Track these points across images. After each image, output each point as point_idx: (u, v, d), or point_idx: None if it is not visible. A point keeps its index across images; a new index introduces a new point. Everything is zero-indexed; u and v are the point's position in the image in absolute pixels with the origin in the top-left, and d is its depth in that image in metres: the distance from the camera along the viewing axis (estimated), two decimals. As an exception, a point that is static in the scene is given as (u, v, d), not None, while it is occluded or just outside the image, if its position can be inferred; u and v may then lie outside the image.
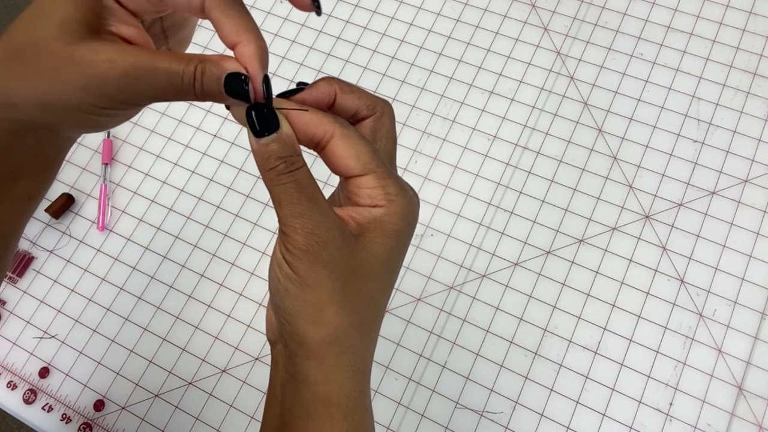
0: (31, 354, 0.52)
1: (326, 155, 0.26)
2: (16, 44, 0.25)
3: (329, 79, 0.27)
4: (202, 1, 0.25)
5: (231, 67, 0.25)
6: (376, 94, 0.29)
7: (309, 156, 0.26)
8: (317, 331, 0.25)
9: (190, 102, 0.59)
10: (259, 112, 0.25)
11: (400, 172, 0.54)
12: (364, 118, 0.28)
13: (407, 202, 0.26)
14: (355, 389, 0.27)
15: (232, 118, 0.26)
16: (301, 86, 0.27)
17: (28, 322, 0.53)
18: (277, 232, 0.53)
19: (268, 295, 0.52)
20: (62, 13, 0.24)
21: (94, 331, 0.52)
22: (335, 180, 0.52)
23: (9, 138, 0.26)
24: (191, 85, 0.25)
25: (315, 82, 0.27)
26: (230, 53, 0.26)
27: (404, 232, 0.27)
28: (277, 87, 0.58)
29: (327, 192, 0.29)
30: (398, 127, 0.56)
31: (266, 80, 0.25)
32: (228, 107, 0.26)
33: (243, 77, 0.24)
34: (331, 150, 0.26)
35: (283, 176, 0.25)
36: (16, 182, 0.28)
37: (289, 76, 0.59)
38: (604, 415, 0.46)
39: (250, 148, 0.56)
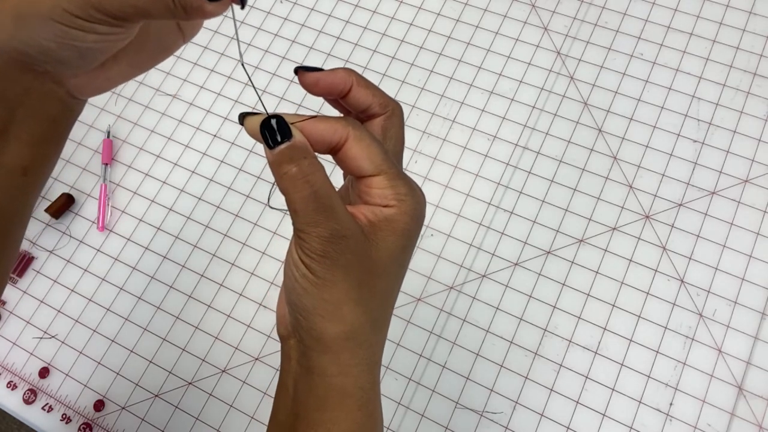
0: (31, 354, 0.52)
1: (340, 158, 0.27)
2: None
3: (349, 70, 0.28)
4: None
5: None
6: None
7: (329, 164, 0.26)
8: (334, 328, 0.26)
9: (190, 103, 0.59)
10: (271, 125, 0.25)
11: (400, 172, 0.54)
12: (375, 115, 0.29)
13: (416, 202, 0.27)
14: (368, 381, 0.28)
15: (246, 133, 0.27)
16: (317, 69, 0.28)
17: (28, 322, 0.53)
18: (277, 232, 0.53)
19: (268, 295, 0.52)
20: None
21: (94, 331, 0.52)
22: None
23: None
24: None
25: (335, 69, 0.28)
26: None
27: (413, 231, 0.27)
28: (278, 87, 0.58)
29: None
30: (398, 127, 0.56)
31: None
32: (242, 123, 0.27)
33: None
34: (345, 152, 0.27)
35: (298, 181, 0.25)
36: (7, 143, 0.27)
37: (289, 76, 0.59)
38: (604, 415, 0.46)
39: (250, 149, 0.56)
